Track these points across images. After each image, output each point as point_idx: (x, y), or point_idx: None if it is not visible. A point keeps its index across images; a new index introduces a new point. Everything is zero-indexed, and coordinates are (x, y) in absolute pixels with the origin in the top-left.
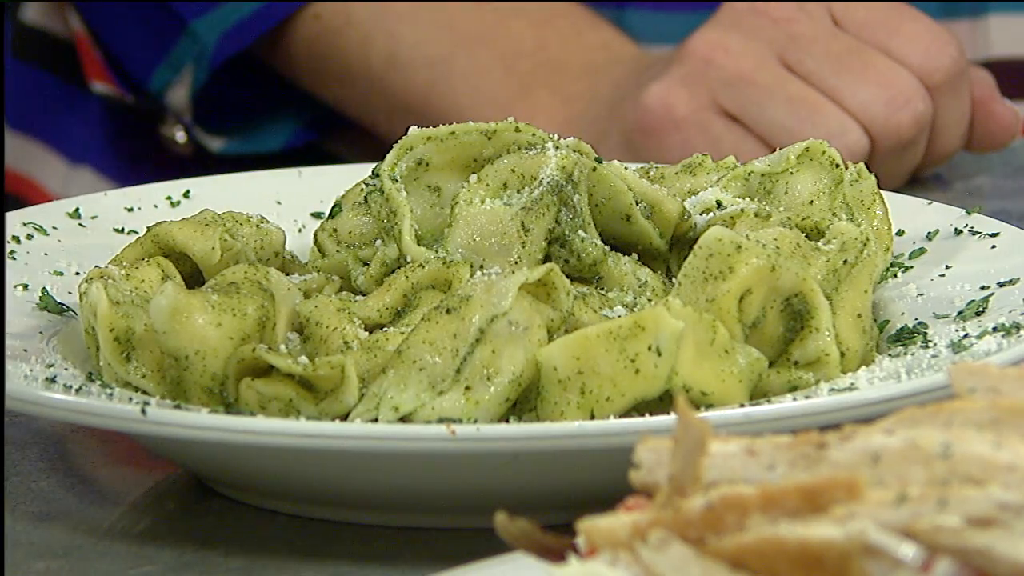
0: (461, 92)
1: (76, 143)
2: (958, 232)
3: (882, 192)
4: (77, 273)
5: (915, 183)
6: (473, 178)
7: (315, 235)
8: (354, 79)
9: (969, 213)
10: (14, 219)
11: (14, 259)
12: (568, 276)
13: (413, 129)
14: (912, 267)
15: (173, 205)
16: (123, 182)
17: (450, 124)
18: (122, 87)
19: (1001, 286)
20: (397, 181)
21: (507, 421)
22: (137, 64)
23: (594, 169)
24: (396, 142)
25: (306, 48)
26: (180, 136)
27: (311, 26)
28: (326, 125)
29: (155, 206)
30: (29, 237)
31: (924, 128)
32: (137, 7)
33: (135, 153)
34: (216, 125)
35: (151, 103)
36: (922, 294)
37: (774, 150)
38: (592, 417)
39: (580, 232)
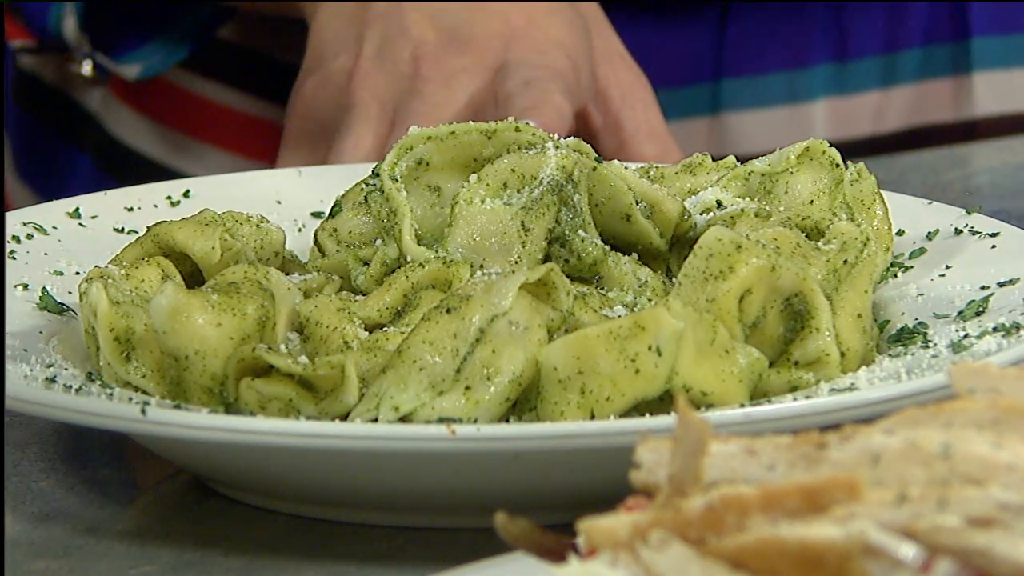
0: None
1: (56, 193)
2: (958, 232)
3: (882, 192)
4: (77, 273)
5: (914, 183)
6: (473, 178)
7: (315, 235)
8: None
9: (969, 213)
10: (14, 219)
11: (14, 259)
12: (568, 276)
13: (413, 129)
14: (912, 267)
15: (173, 205)
16: None
17: None
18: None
19: (1001, 286)
20: (397, 181)
21: (507, 421)
22: (34, 9)
23: (594, 169)
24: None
25: None
26: (86, 69)
27: None
28: (225, 16)
29: (155, 206)
30: (29, 237)
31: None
32: None
33: None
34: (120, 52)
35: (56, 43)
36: (922, 294)
37: None
38: (592, 417)
39: (580, 232)
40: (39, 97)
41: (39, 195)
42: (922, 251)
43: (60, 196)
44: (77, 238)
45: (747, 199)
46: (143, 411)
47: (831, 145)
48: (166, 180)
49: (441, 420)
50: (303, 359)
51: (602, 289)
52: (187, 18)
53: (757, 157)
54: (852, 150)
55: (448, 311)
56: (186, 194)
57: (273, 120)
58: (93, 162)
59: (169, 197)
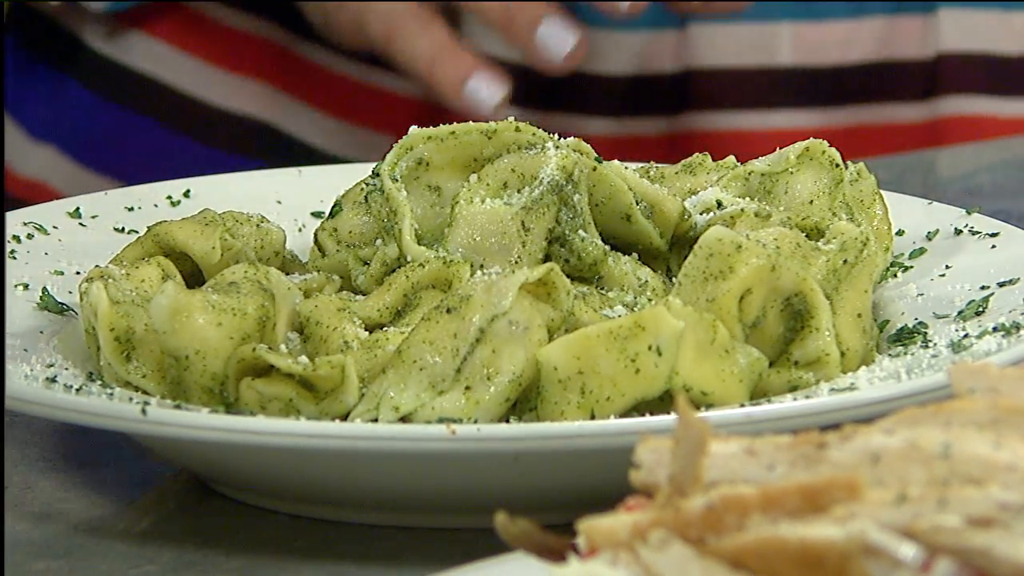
0: None
1: (39, 120)
2: (958, 232)
3: (882, 192)
4: (77, 273)
5: (914, 183)
6: (473, 178)
7: (315, 235)
8: None
9: (969, 213)
10: (14, 219)
11: (14, 259)
12: (568, 276)
13: (413, 128)
14: (912, 267)
15: (173, 205)
16: (89, 165)
17: None
18: None
19: (1001, 286)
20: (397, 180)
21: (507, 421)
22: None
23: (594, 169)
24: None
25: None
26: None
27: None
28: None
29: (155, 206)
30: (29, 237)
31: None
32: None
33: (103, 137)
34: None
35: None
36: (922, 294)
37: None
38: (592, 417)
39: (580, 232)
40: (31, 26)
41: (24, 126)
42: (922, 251)
43: (49, 126)
44: (77, 238)
45: (747, 199)
46: (143, 411)
47: (800, 71)
48: (166, 100)
49: (441, 420)
50: (303, 359)
51: (602, 289)
52: None
53: (724, 72)
54: (819, 78)
55: (448, 311)
56: (186, 194)
57: (272, 39)
58: (83, 85)
59: (169, 197)
